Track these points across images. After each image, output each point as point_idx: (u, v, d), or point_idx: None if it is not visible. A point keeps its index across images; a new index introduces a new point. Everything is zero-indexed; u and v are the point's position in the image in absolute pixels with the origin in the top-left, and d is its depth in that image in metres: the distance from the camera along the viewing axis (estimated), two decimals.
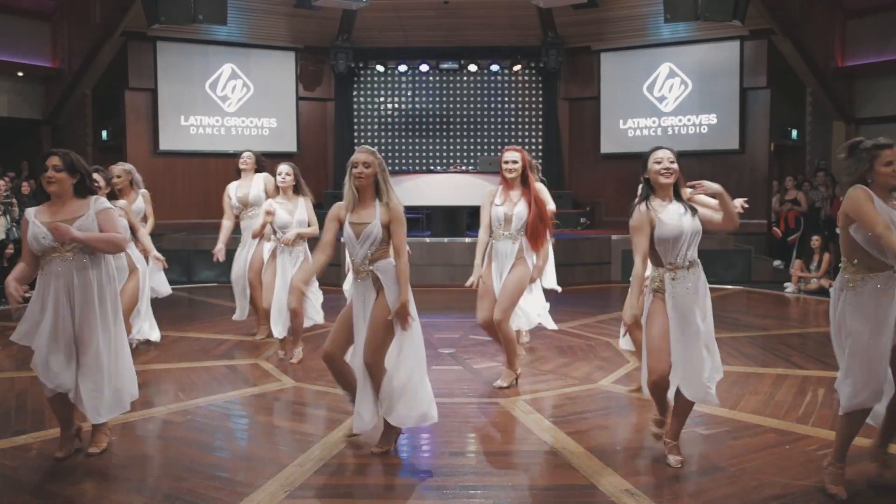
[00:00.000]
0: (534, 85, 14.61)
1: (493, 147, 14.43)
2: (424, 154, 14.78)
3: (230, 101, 13.63)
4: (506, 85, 14.64)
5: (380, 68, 14.36)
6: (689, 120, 13.26)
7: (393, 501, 3.56)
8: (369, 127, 14.78)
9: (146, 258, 5.89)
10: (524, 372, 5.59)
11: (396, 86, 14.71)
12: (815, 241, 10.07)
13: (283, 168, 6.02)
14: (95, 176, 4.88)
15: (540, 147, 14.53)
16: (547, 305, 6.13)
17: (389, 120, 14.77)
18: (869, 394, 3.31)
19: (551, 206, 6.05)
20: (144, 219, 6.41)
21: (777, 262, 11.60)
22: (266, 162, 7.13)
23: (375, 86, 14.73)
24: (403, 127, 14.76)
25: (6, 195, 9.89)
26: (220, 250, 6.76)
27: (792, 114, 13.02)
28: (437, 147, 14.77)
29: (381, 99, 14.75)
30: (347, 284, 5.95)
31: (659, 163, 3.75)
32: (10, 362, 6.13)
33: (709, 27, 12.38)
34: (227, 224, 6.93)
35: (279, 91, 13.92)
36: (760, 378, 5.53)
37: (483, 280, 5.23)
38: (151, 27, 11.57)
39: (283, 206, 5.94)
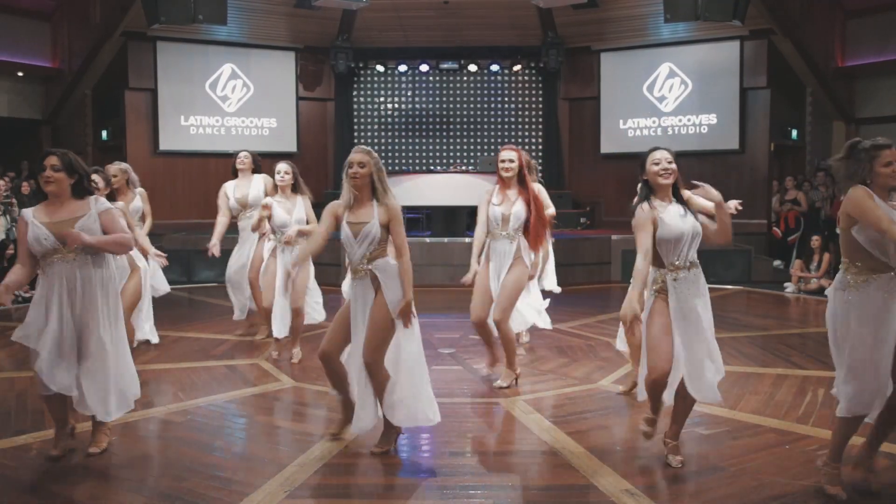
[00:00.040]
0: (534, 85, 14.61)
1: (493, 147, 14.43)
2: (424, 154, 14.79)
3: (230, 101, 13.64)
4: (506, 85, 14.65)
5: (380, 68, 14.37)
6: (689, 120, 13.26)
7: (393, 501, 3.55)
8: (369, 127, 14.79)
9: (146, 257, 5.88)
10: (524, 372, 5.59)
11: (396, 86, 14.71)
12: (815, 241, 10.07)
13: (282, 167, 6.01)
14: (95, 177, 4.88)
15: (540, 147, 14.54)
16: (545, 303, 6.12)
17: (389, 120, 14.78)
18: (870, 399, 3.29)
19: (551, 209, 6.06)
20: (143, 218, 6.40)
21: (777, 262, 11.60)
22: (262, 162, 7.09)
23: (375, 86, 14.74)
24: (403, 127, 14.76)
25: (6, 195, 9.89)
26: (214, 245, 6.67)
27: (792, 114, 13.02)
28: (437, 147, 14.78)
29: (381, 99, 14.75)
30: (346, 284, 5.95)
31: (657, 164, 3.74)
32: (9, 362, 6.13)
33: (709, 27, 12.38)
34: (222, 220, 6.83)
35: (279, 91, 13.93)
36: (760, 378, 5.53)
37: (479, 278, 5.24)
38: (151, 27, 11.58)
39: (281, 205, 5.93)
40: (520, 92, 14.68)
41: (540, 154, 14.37)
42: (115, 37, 12.46)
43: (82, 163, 3.89)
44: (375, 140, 14.65)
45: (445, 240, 10.86)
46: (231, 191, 6.88)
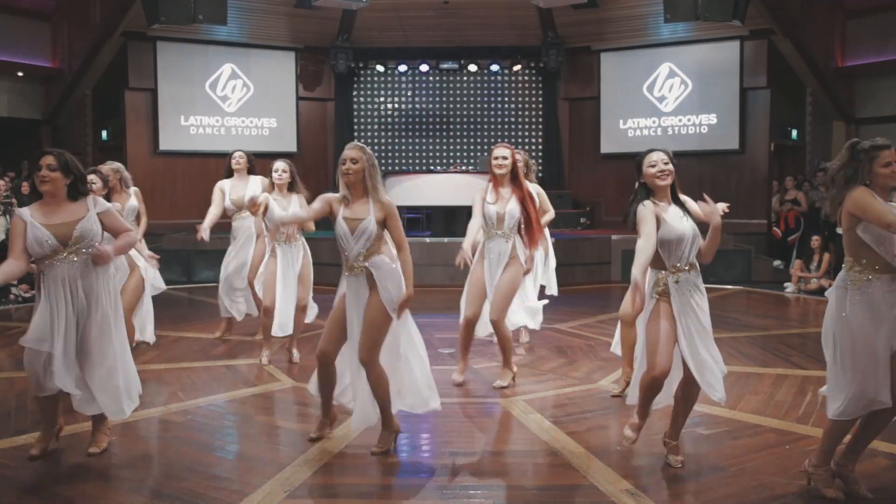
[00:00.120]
0: (534, 85, 14.61)
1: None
2: (424, 154, 14.79)
3: (230, 101, 13.64)
4: (506, 85, 14.65)
5: (380, 68, 14.37)
6: (689, 120, 13.26)
7: (392, 501, 3.56)
8: (369, 127, 14.79)
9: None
10: (524, 372, 5.59)
11: (396, 86, 14.71)
12: (815, 241, 10.07)
13: (280, 165, 6.00)
14: (92, 177, 4.88)
15: (540, 147, 14.54)
16: (542, 304, 6.10)
17: (389, 120, 14.78)
18: (867, 402, 3.25)
19: (551, 213, 6.03)
20: (138, 217, 6.38)
21: (777, 262, 11.61)
22: (256, 163, 7.04)
23: (375, 86, 14.74)
24: (403, 127, 14.76)
25: (6, 195, 9.90)
26: (205, 230, 6.51)
27: (792, 114, 13.02)
28: (437, 147, 14.78)
29: (381, 99, 14.75)
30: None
31: (653, 166, 3.71)
32: (9, 362, 6.13)
33: (709, 27, 12.38)
34: (214, 211, 6.73)
35: (279, 91, 13.93)
36: (760, 378, 5.53)
37: (474, 276, 5.22)
38: (151, 27, 11.59)
39: (277, 203, 5.92)
40: (520, 92, 14.68)
41: (540, 154, 14.38)
42: (115, 37, 12.46)
43: (78, 164, 3.86)
44: (375, 140, 14.65)
45: (445, 240, 10.85)
46: (227, 190, 6.81)
